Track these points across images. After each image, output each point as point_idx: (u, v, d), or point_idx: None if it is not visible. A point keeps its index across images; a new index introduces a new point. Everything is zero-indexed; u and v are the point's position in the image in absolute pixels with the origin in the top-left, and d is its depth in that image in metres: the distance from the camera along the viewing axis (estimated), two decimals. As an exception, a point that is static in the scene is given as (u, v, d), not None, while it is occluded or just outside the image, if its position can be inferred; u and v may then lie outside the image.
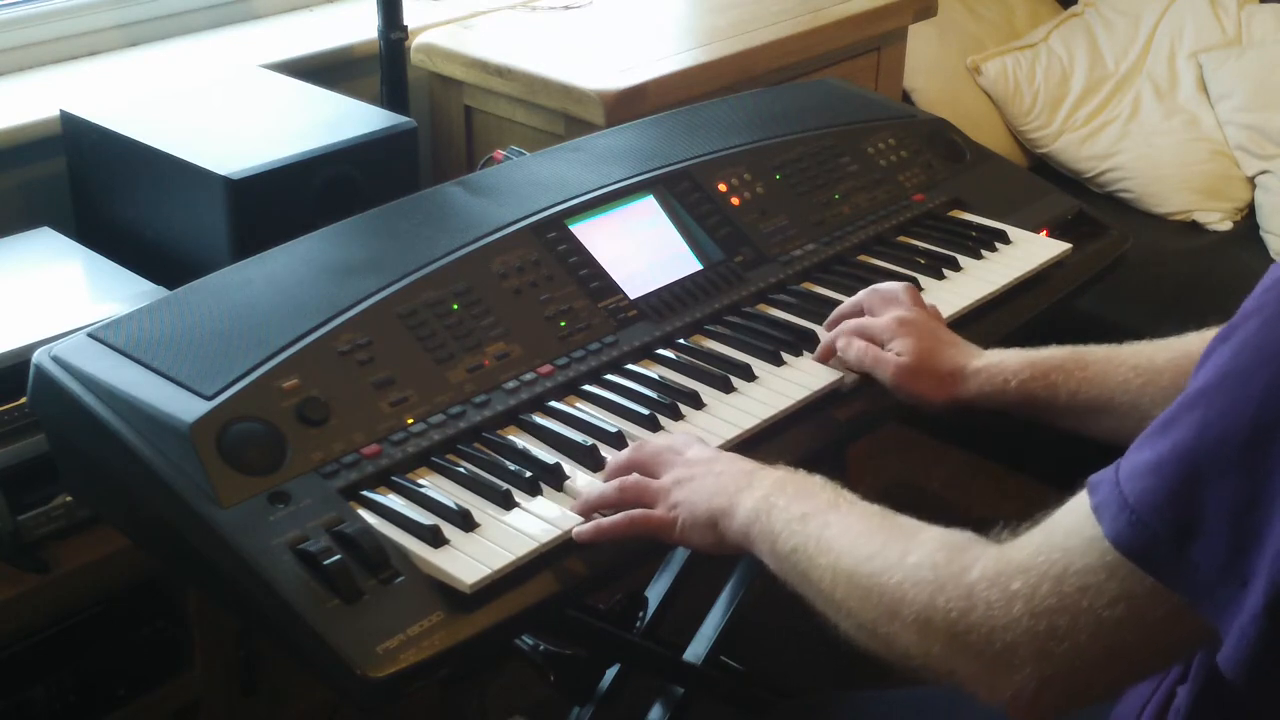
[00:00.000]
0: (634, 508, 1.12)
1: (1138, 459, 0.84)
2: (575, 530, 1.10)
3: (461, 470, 1.17)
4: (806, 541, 1.01)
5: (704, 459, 1.14)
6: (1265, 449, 0.77)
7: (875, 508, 1.03)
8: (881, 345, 1.32)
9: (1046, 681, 0.86)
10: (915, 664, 0.93)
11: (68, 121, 1.76)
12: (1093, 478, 0.87)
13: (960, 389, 1.30)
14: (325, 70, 2.06)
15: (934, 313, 1.39)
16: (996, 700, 0.88)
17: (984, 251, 1.60)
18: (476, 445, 1.21)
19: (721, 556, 1.13)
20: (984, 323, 1.50)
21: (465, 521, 1.10)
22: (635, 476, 1.14)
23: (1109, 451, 0.90)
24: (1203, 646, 0.88)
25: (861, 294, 1.39)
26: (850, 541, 0.99)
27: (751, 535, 1.06)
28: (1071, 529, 0.86)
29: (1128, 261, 1.73)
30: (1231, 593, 0.79)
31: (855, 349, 1.32)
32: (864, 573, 0.96)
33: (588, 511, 1.13)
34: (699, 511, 1.10)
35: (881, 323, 1.33)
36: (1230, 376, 0.79)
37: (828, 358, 1.36)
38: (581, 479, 1.18)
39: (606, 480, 1.16)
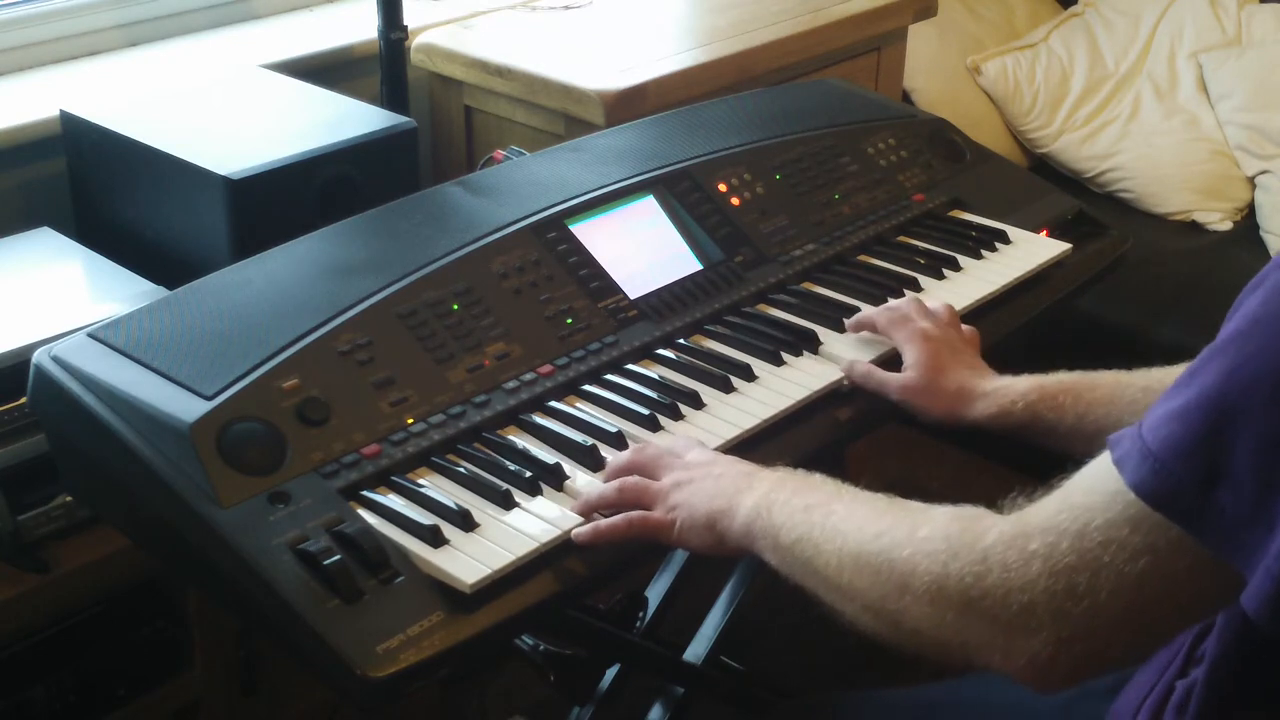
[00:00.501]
0: (633, 509, 1.12)
1: (1160, 409, 0.83)
2: (574, 531, 1.10)
3: (461, 470, 1.17)
4: (811, 530, 1.01)
5: (703, 461, 1.14)
6: None
7: (879, 495, 1.03)
8: (901, 342, 1.35)
9: (1064, 643, 0.85)
10: (925, 640, 0.93)
11: (68, 121, 1.76)
12: (1113, 435, 0.87)
13: (967, 410, 1.30)
14: (325, 70, 2.06)
15: (972, 338, 1.39)
16: (1011, 667, 0.88)
17: (984, 251, 1.60)
18: (476, 445, 1.21)
19: (721, 557, 1.13)
20: (984, 323, 1.50)
21: (465, 521, 1.10)
22: (635, 478, 1.14)
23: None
24: (1225, 604, 0.88)
25: (905, 300, 1.41)
26: (857, 524, 0.99)
27: (753, 533, 1.06)
28: (1092, 486, 0.86)
29: (1128, 261, 1.73)
30: (1259, 537, 0.78)
31: (858, 373, 1.34)
32: (872, 551, 0.96)
33: (587, 512, 1.13)
34: (698, 513, 1.10)
35: (903, 334, 1.35)
36: (1260, 322, 0.79)
37: (860, 328, 1.39)
38: (581, 479, 1.18)
39: (606, 481, 1.16)
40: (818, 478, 1.09)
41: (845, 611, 0.99)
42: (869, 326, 1.40)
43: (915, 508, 0.99)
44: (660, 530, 1.11)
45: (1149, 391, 1.24)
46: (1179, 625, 0.94)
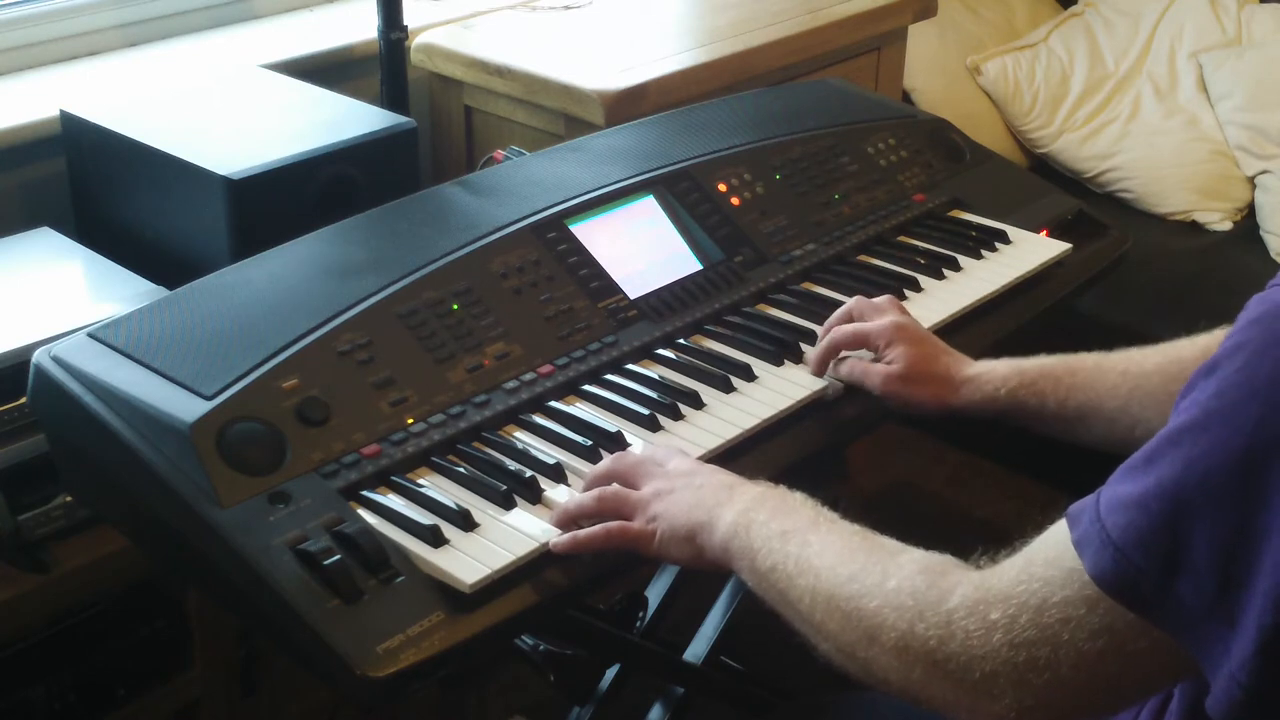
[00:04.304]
0: (613, 518, 1.11)
1: (1119, 492, 0.83)
2: (552, 542, 1.09)
3: (461, 470, 1.17)
4: (785, 560, 1.01)
5: (684, 471, 1.13)
6: (1252, 485, 0.76)
7: (855, 527, 1.03)
8: (877, 349, 1.32)
9: (1027, 711, 0.86)
10: (894, 690, 0.93)
11: (68, 121, 1.76)
12: (1072, 508, 0.87)
13: (952, 396, 1.30)
14: (325, 70, 2.06)
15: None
16: None
17: (984, 251, 1.60)
18: (476, 445, 1.21)
19: (700, 570, 1.12)
20: (984, 322, 1.50)
21: (465, 521, 1.10)
22: (615, 487, 1.13)
23: (1106, 453, 0.90)
24: (1186, 678, 0.88)
25: (851, 302, 1.37)
26: (830, 562, 0.98)
27: (731, 551, 1.06)
28: (1052, 559, 0.86)
29: (1128, 261, 1.73)
30: (1219, 633, 0.79)
31: (845, 365, 1.32)
32: (843, 596, 0.96)
33: (565, 522, 1.11)
34: (678, 525, 1.09)
35: (877, 327, 1.32)
36: (1215, 413, 0.79)
37: (821, 369, 1.34)
38: (564, 489, 1.17)
39: (585, 490, 1.15)
40: (798, 498, 1.08)
41: (819, 647, 0.98)
42: (832, 353, 1.34)
43: (888, 550, 0.98)
44: (640, 541, 1.10)
45: (1127, 376, 1.24)
46: (1143, 695, 0.94)
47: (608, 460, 1.17)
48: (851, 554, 0.98)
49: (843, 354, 1.34)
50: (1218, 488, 0.78)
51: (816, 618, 0.98)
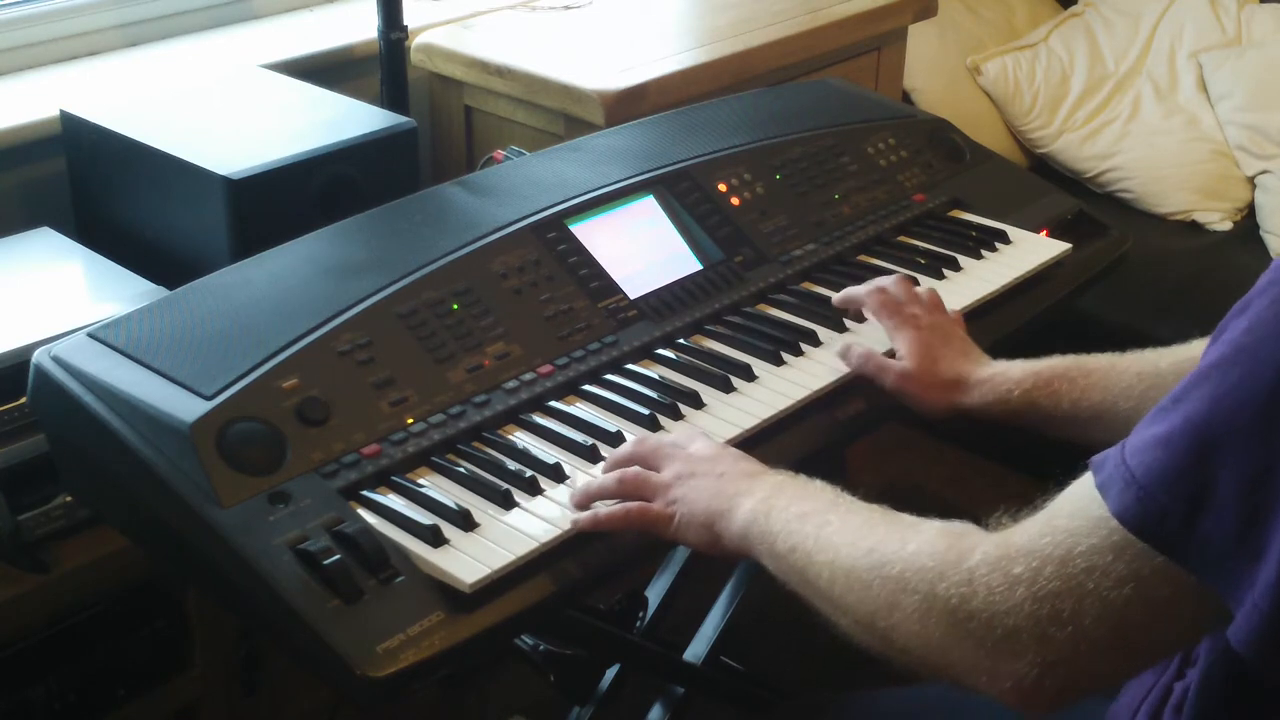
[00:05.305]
0: (633, 500, 1.12)
1: (1145, 434, 0.83)
2: (574, 518, 1.10)
3: (461, 470, 1.17)
4: (805, 540, 1.01)
5: (707, 456, 1.14)
6: (1279, 419, 0.76)
7: (875, 506, 1.03)
8: (892, 330, 1.35)
9: (1049, 668, 0.85)
10: (914, 658, 0.93)
11: (68, 121, 1.76)
12: (1095, 457, 0.87)
13: (963, 398, 1.30)
14: (325, 70, 2.06)
15: (956, 319, 1.40)
16: (996, 689, 0.88)
17: (984, 251, 1.60)
18: (476, 445, 1.21)
19: (718, 557, 1.13)
20: (984, 322, 1.50)
21: (465, 521, 1.10)
22: (636, 469, 1.14)
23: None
24: (1209, 630, 0.88)
25: (890, 279, 1.40)
26: (849, 537, 0.99)
27: (750, 537, 1.06)
28: (1076, 510, 0.85)
29: (1128, 261, 1.73)
30: (1244, 567, 0.78)
31: (856, 355, 1.33)
32: (863, 566, 0.96)
33: (585, 501, 1.13)
34: (697, 510, 1.10)
35: (900, 317, 1.34)
36: (1245, 349, 0.79)
37: (848, 304, 1.40)
38: (582, 479, 1.18)
39: (606, 472, 1.16)
40: (817, 484, 1.08)
41: (839, 624, 0.99)
42: (856, 305, 1.40)
43: (906, 522, 0.98)
44: (659, 523, 1.11)
45: (1142, 377, 1.24)
46: (1165, 650, 0.94)
47: (630, 443, 1.18)
48: (870, 528, 0.99)
49: (859, 346, 1.34)
50: (1243, 423, 0.78)
51: (836, 591, 0.98)
